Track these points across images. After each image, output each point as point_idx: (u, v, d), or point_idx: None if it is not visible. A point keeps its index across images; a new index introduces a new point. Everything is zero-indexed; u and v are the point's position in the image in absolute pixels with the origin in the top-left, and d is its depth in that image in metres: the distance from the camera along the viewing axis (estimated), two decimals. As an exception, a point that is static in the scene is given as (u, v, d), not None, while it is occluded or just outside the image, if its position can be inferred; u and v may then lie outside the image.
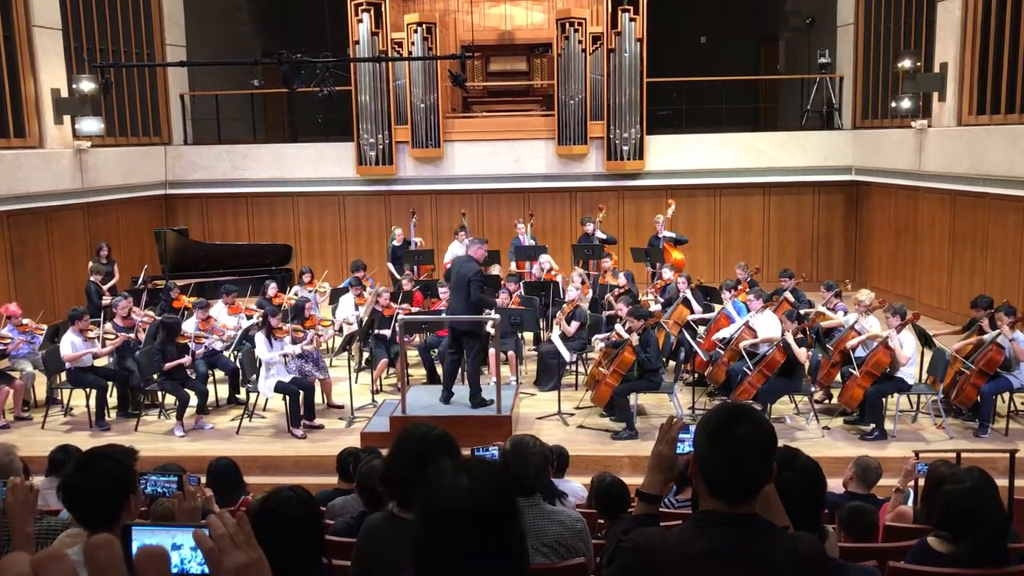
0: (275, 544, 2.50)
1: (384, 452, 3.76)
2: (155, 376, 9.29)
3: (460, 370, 9.57)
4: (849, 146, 15.21)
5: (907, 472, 5.57)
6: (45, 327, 10.26)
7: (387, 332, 10.38)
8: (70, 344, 9.23)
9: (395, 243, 13.48)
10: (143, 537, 1.55)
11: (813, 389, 9.32)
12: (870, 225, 15.15)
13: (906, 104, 13.20)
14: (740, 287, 10.63)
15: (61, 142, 13.42)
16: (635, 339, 8.76)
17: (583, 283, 11.10)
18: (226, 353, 10.31)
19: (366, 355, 10.94)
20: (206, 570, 1.43)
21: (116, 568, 1.23)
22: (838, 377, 9.26)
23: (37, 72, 13.00)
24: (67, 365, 9.31)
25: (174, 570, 1.43)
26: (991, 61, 11.85)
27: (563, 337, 10.03)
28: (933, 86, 12.67)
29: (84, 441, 7.70)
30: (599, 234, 13.09)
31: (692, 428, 2.30)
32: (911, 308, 9.96)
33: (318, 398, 9.61)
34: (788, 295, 10.51)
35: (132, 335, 9.94)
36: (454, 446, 2.86)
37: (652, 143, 15.25)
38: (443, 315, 9.79)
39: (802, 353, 8.71)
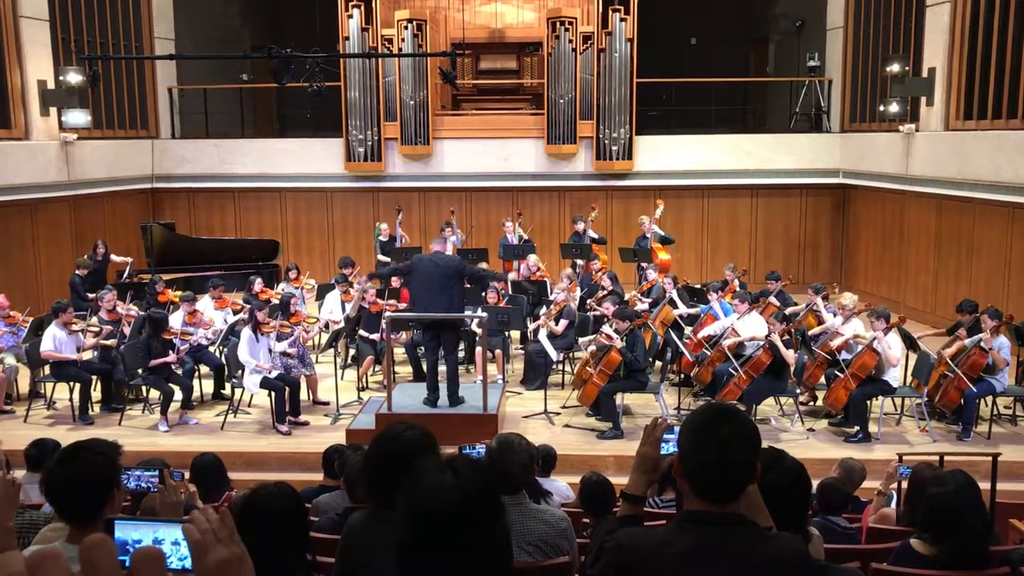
0: (259, 540, 2.50)
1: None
2: (139, 371, 9.24)
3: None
4: (837, 149, 15.27)
5: (889, 475, 5.60)
6: (31, 319, 10.20)
7: (377, 335, 10.36)
8: (52, 338, 9.16)
9: (381, 239, 13.48)
10: (125, 532, 1.54)
11: (798, 391, 9.35)
12: (857, 228, 15.22)
13: (894, 108, 13.26)
14: (728, 288, 10.66)
15: (47, 134, 13.32)
16: (618, 342, 8.77)
17: (571, 283, 11.10)
18: (212, 348, 10.27)
19: (352, 352, 10.92)
20: (187, 566, 1.43)
21: (111, 568, 1.23)
22: (823, 379, 9.31)
23: (24, 63, 12.90)
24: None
25: None
26: (979, 66, 11.92)
27: (550, 336, 10.04)
28: (921, 90, 12.74)
29: (67, 435, 7.65)
30: (590, 233, 13.14)
31: (677, 428, 2.31)
32: (896, 311, 10.01)
33: (304, 394, 9.59)
34: (772, 299, 10.53)
35: (115, 328, 9.90)
36: (433, 445, 2.85)
37: (641, 143, 15.27)
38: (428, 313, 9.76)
39: (790, 354, 8.75)
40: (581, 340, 9.85)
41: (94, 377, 9.52)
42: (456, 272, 8.78)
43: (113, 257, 12.70)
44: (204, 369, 10.16)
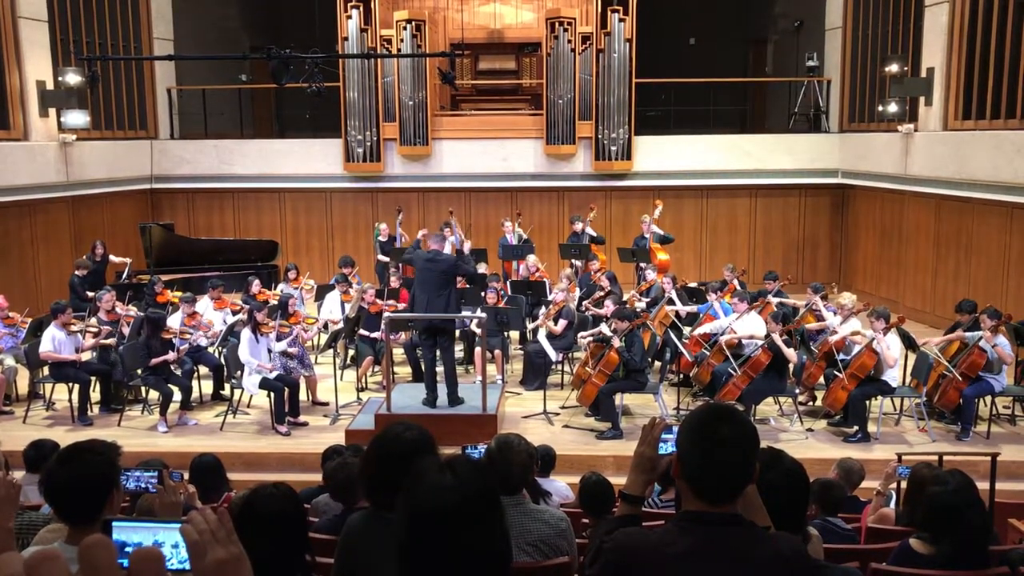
0: (258, 540, 2.50)
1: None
2: (139, 371, 9.24)
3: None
4: (836, 149, 15.28)
5: (888, 475, 5.60)
6: (29, 320, 10.19)
7: (377, 334, 10.35)
8: (51, 338, 9.16)
9: (381, 239, 13.49)
10: (124, 533, 1.54)
11: (797, 391, 9.36)
12: (856, 228, 15.23)
13: (893, 108, 13.27)
14: (727, 288, 10.65)
15: (46, 135, 13.32)
16: (617, 342, 8.77)
17: (570, 283, 11.10)
18: (211, 349, 10.27)
19: (351, 352, 10.92)
20: (185, 567, 1.43)
21: (110, 568, 1.23)
22: (822, 379, 9.31)
23: (22, 64, 12.90)
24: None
25: None
26: (977, 66, 11.93)
27: (550, 336, 10.04)
28: (920, 90, 12.74)
29: (66, 436, 7.65)
30: (589, 232, 13.14)
31: (675, 428, 2.31)
32: (895, 311, 10.01)
33: (303, 395, 9.59)
34: (771, 298, 10.52)
35: (114, 328, 9.89)
36: (432, 446, 2.85)
37: (640, 144, 15.27)
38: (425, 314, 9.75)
39: (792, 353, 8.75)
40: (581, 334, 9.86)
41: (93, 378, 9.52)
42: (450, 270, 8.81)
43: (112, 258, 12.70)
44: (203, 370, 10.15)
